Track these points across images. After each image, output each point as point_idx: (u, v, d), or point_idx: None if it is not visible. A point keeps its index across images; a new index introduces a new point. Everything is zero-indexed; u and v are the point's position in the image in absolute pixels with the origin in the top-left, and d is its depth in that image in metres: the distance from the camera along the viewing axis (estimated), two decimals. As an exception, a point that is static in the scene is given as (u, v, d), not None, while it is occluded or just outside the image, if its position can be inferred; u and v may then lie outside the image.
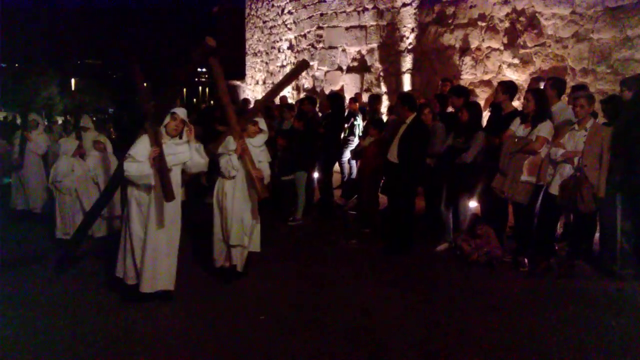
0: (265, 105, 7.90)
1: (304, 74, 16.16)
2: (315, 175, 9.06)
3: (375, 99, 10.20)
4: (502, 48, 9.40)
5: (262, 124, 5.79)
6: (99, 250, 6.65)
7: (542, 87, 6.82)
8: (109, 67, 66.77)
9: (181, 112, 5.05)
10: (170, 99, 5.37)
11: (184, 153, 5.07)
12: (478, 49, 9.90)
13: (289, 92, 16.80)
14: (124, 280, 5.09)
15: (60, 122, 15.11)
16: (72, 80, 42.09)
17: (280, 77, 17.44)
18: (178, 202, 5.06)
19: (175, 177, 5.05)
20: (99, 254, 6.46)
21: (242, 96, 18.61)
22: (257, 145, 5.70)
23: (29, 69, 41.27)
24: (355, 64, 13.63)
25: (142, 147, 4.87)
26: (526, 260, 6.05)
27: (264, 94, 6.22)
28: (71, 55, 62.32)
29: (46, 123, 10.21)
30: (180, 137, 5.07)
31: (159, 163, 4.79)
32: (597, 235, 6.37)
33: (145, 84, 5.74)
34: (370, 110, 10.01)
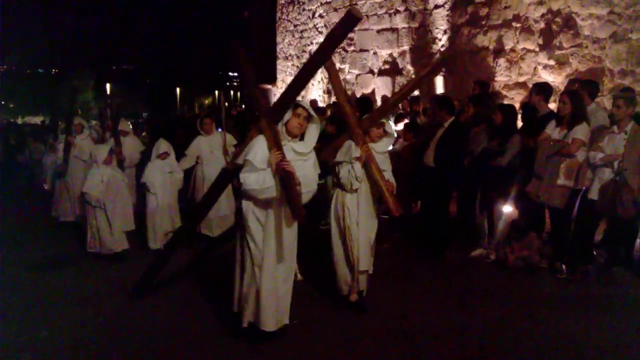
0: (398, 104, 7.11)
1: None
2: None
3: (415, 101, 9.95)
4: (537, 49, 9.25)
5: (389, 126, 4.98)
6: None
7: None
8: (143, 72, 67.94)
9: (307, 105, 4.04)
10: (295, 89, 3.93)
11: (309, 160, 4.10)
12: (512, 50, 9.76)
13: (319, 96, 16.81)
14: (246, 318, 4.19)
15: (93, 124, 15.12)
16: (107, 85, 42.91)
17: (313, 81, 17.53)
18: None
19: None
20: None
21: (274, 100, 18.68)
22: (380, 152, 4.89)
23: (65, 74, 42.35)
24: (387, 66, 13.56)
25: (260, 151, 3.91)
26: (564, 266, 5.93)
27: (396, 92, 5.26)
28: (106, 60, 63.53)
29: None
30: (302, 139, 4.10)
31: (284, 170, 3.72)
32: (638, 241, 6.21)
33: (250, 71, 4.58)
34: (410, 112, 9.88)
